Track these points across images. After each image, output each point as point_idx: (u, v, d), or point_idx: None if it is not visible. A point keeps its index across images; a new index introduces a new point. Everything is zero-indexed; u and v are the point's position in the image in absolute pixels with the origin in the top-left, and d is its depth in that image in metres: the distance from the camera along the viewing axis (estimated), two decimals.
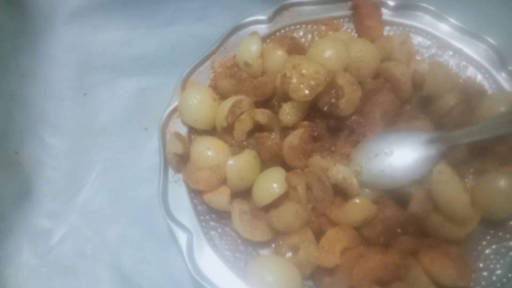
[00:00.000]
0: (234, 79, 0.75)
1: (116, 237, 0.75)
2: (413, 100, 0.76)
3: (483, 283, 0.65)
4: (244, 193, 0.70)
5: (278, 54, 0.75)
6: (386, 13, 0.84)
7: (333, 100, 0.68)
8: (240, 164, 0.68)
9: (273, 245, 0.70)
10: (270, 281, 0.62)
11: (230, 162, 0.68)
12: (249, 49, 0.75)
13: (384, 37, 0.82)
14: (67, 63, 0.92)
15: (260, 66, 0.75)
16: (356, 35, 0.84)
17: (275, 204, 0.67)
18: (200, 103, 0.72)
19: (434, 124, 0.71)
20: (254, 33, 0.78)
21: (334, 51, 0.72)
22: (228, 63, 0.78)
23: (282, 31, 0.83)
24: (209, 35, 0.91)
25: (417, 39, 0.83)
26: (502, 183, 0.64)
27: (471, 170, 0.72)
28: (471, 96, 0.74)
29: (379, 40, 0.80)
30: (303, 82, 0.67)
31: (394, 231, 0.64)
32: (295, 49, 0.77)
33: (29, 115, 0.84)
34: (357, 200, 0.65)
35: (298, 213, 0.65)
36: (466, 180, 0.71)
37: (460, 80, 0.78)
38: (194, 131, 0.75)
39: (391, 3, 0.84)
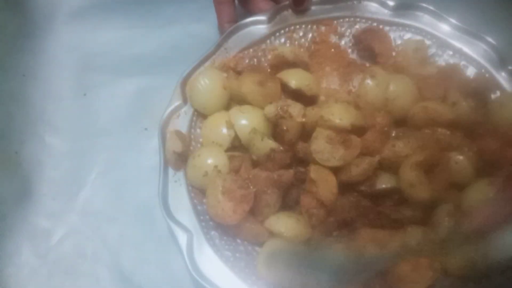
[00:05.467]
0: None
1: (116, 237, 0.75)
2: None
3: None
4: None
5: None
6: (385, 13, 0.83)
7: None
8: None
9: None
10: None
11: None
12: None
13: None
14: (67, 63, 0.92)
15: None
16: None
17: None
18: (211, 89, 0.73)
19: None
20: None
21: None
22: (231, 63, 0.78)
23: (282, 31, 0.83)
24: (209, 35, 0.91)
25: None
26: None
27: None
28: (480, 96, 0.73)
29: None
30: None
31: None
32: (281, 64, 0.78)
33: (29, 115, 0.84)
34: None
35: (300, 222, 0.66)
36: None
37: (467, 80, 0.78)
38: (195, 127, 0.75)
39: (391, 3, 0.84)
